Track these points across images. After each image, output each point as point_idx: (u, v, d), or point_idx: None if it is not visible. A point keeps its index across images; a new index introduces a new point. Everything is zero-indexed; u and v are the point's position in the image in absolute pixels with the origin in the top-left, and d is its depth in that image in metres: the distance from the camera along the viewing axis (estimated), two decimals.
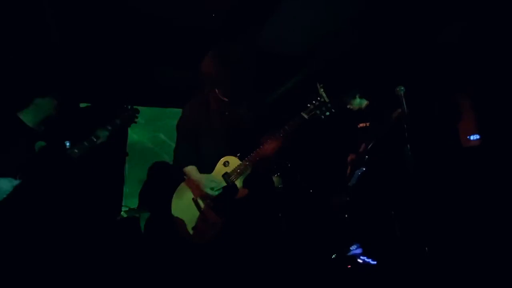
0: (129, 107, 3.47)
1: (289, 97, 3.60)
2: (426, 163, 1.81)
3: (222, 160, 1.61)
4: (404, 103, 1.43)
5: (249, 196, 1.58)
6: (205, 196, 1.59)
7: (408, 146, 1.42)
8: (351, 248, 2.48)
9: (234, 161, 1.60)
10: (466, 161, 2.36)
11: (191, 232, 1.56)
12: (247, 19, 2.77)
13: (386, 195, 2.19)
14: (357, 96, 2.60)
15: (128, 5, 2.52)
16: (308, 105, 1.58)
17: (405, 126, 1.43)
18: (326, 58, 3.17)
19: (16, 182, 1.67)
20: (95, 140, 1.95)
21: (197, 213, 1.59)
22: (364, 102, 2.60)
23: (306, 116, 1.56)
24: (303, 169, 3.24)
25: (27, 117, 1.88)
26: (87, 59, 3.16)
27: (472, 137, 2.50)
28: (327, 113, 1.57)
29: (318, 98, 1.59)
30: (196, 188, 1.61)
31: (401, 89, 1.44)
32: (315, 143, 3.38)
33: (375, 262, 2.34)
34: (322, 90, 1.59)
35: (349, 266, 2.39)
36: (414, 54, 2.57)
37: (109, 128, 2.03)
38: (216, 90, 1.64)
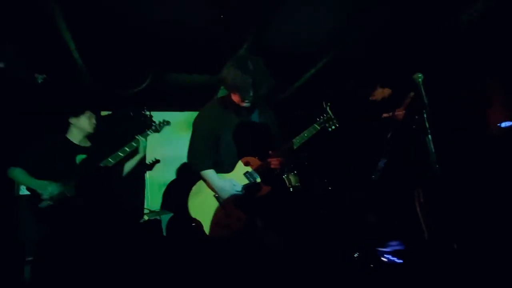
0: (148, 113, 3.62)
1: (300, 95, 3.55)
2: (450, 154, 1.69)
3: (243, 160, 1.72)
4: (422, 91, 1.34)
5: (271, 192, 1.69)
6: (228, 197, 1.66)
7: (430, 136, 1.33)
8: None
9: (254, 161, 1.72)
10: (496, 151, 2.18)
11: (215, 228, 1.63)
12: (255, 19, 2.75)
13: (408, 189, 2.08)
14: (377, 87, 2.52)
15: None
16: (317, 119, 1.79)
17: (425, 115, 1.34)
18: (339, 50, 3.08)
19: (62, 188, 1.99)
20: (127, 149, 2.25)
21: (220, 210, 1.66)
22: (387, 92, 2.50)
23: (318, 127, 1.79)
24: (320, 166, 3.17)
25: (72, 136, 2.21)
26: (103, 67, 3.27)
27: (503, 124, 2.31)
28: (333, 127, 1.80)
29: (325, 114, 1.81)
30: (219, 191, 1.68)
31: (418, 77, 1.35)
32: (333, 140, 3.30)
33: (401, 261, 2.23)
34: (328, 108, 1.79)
35: (372, 265, 2.29)
36: (433, 37, 2.41)
37: (141, 138, 2.31)
38: (234, 96, 1.72)
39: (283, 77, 3.45)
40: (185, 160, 4.07)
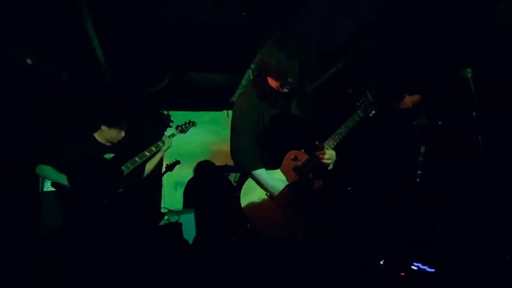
0: (166, 112, 3.62)
1: (325, 91, 3.45)
2: (502, 157, 1.56)
3: (290, 154, 1.62)
4: (472, 87, 1.23)
5: (324, 187, 1.60)
6: (282, 194, 1.59)
7: (479, 137, 1.21)
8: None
9: (302, 156, 1.61)
10: None
11: (273, 227, 1.56)
12: (279, 15, 2.68)
13: (450, 193, 1.95)
14: (405, 95, 2.39)
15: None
16: (357, 103, 1.68)
17: (473, 114, 1.23)
18: (360, 53, 2.97)
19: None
20: (154, 149, 2.29)
21: (276, 209, 1.58)
22: (416, 98, 2.38)
23: (361, 114, 1.68)
24: (344, 169, 3.05)
25: (98, 137, 2.26)
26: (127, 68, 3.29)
27: None
28: (373, 112, 1.69)
29: (363, 98, 1.70)
30: (271, 189, 1.61)
31: (467, 72, 1.24)
32: (359, 144, 3.20)
33: (432, 270, 2.09)
34: (368, 91, 1.69)
35: (402, 274, 2.17)
36: (468, 32, 2.25)
37: (167, 139, 2.35)
38: (273, 81, 1.61)
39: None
40: (201, 158, 4.07)
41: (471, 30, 1.95)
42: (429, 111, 2.09)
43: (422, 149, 2.02)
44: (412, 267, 2.22)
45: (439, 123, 2.02)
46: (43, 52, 2.57)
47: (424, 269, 2.16)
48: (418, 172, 2.11)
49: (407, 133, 2.33)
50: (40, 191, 2.85)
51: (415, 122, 2.31)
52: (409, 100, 2.36)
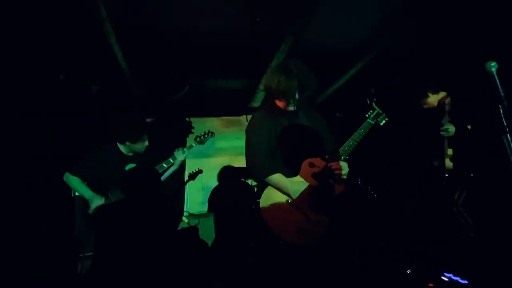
0: (188, 119, 3.70)
1: (338, 97, 3.37)
2: None
3: (307, 162, 1.65)
4: (497, 82, 1.13)
5: (346, 191, 1.61)
6: (304, 200, 1.60)
7: (508, 136, 1.11)
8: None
9: (319, 162, 1.64)
10: None
11: (297, 234, 1.56)
12: (291, 19, 2.68)
13: (481, 197, 1.80)
14: (428, 93, 2.25)
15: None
16: (366, 115, 1.73)
17: (501, 110, 1.13)
18: (380, 51, 2.86)
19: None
20: (165, 166, 2.34)
21: (299, 216, 1.58)
22: (441, 95, 2.23)
23: (372, 122, 1.73)
24: (367, 172, 2.94)
25: (123, 149, 2.35)
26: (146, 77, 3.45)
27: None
28: (384, 121, 1.74)
29: (371, 111, 1.75)
30: (293, 195, 1.62)
31: (491, 65, 1.14)
32: (384, 146, 3.07)
33: (465, 282, 1.92)
34: (374, 103, 1.74)
35: (431, 285, 2.02)
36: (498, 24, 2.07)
37: (185, 150, 2.40)
38: (279, 102, 1.74)
39: (321, 78, 3.32)
40: (224, 164, 4.13)
41: (495, 21, 1.80)
42: (453, 110, 1.96)
43: (450, 151, 1.90)
44: (443, 277, 2.06)
45: (468, 127, 1.89)
46: (73, 67, 2.78)
47: (457, 280, 2.00)
48: (446, 175, 1.98)
49: (434, 135, 2.19)
50: (73, 195, 3.07)
51: (442, 122, 2.17)
52: (434, 99, 2.23)
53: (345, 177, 1.60)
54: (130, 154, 2.35)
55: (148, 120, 4.35)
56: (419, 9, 2.36)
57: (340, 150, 1.65)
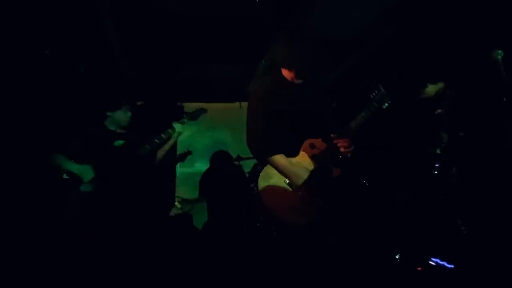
0: (180, 104, 3.60)
1: (344, 82, 3.35)
2: None
3: (307, 142, 1.63)
4: (503, 70, 1.14)
5: (342, 175, 1.61)
6: (302, 181, 1.59)
7: (510, 125, 1.13)
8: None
9: (320, 144, 1.62)
10: None
11: (291, 214, 1.57)
12: (294, 3, 2.60)
13: (473, 186, 1.85)
14: (427, 85, 2.27)
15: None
16: (371, 96, 1.65)
17: (504, 99, 1.14)
18: (381, 40, 2.84)
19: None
20: (164, 137, 2.26)
21: (293, 196, 1.59)
22: (439, 86, 2.25)
23: (376, 105, 1.64)
24: (364, 162, 2.97)
25: (110, 125, 2.27)
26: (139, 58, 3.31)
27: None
28: (387, 104, 1.66)
29: (376, 91, 1.67)
30: (291, 176, 1.60)
31: (498, 53, 1.14)
32: (379, 136, 3.10)
33: (451, 266, 2.01)
34: (380, 84, 1.66)
35: (419, 269, 2.10)
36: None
37: (176, 125, 2.31)
38: (287, 72, 1.65)
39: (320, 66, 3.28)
40: (215, 149, 4.09)
41: (501, 8, 1.81)
42: (455, 99, 1.98)
43: (445, 137, 1.92)
44: (430, 262, 2.15)
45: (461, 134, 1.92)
46: (61, 43, 2.62)
47: (443, 265, 2.08)
48: (436, 164, 2.02)
49: (429, 124, 2.22)
50: (61, 178, 2.96)
51: (438, 111, 2.20)
52: (432, 89, 2.25)
53: (349, 155, 1.59)
54: (118, 130, 2.29)
55: (139, 103, 4.22)
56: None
57: (344, 129, 1.62)
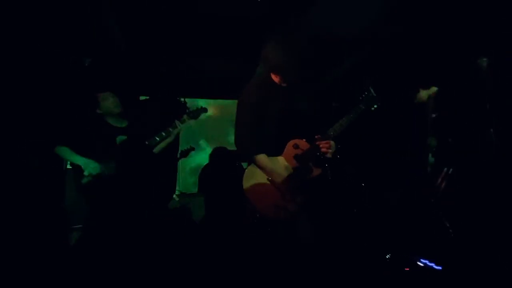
0: (183, 99, 3.66)
1: (338, 82, 3.37)
2: None
3: (291, 143, 1.69)
4: (487, 78, 1.16)
5: (322, 175, 1.67)
6: (282, 179, 1.67)
7: (492, 130, 1.15)
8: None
9: (303, 144, 1.68)
10: None
11: (273, 209, 1.65)
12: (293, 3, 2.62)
13: (460, 189, 1.87)
14: (419, 89, 2.29)
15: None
16: (360, 97, 1.70)
17: (487, 106, 1.16)
18: (379, 40, 2.84)
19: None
20: (171, 130, 2.30)
21: (276, 193, 1.67)
22: (432, 91, 2.26)
23: (363, 107, 1.70)
24: (354, 162, 2.99)
25: (109, 120, 2.26)
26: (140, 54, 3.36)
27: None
28: (375, 106, 1.71)
29: (366, 93, 1.71)
30: (272, 174, 1.68)
31: (483, 61, 1.17)
32: (372, 137, 3.11)
33: (439, 268, 2.04)
34: (370, 87, 1.70)
35: (407, 269, 2.13)
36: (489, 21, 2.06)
37: (178, 124, 2.35)
38: (274, 76, 1.70)
39: (319, 65, 3.30)
40: (215, 145, 4.14)
41: (489, 17, 1.81)
42: (441, 104, 2.00)
43: (433, 141, 1.95)
44: (419, 263, 2.18)
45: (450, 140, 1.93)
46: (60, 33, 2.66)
47: (431, 266, 2.11)
48: (427, 165, 2.04)
49: (420, 128, 2.24)
50: (64, 168, 3.04)
51: (433, 116, 2.22)
52: (424, 94, 2.27)
53: (330, 156, 1.65)
54: (118, 125, 2.30)
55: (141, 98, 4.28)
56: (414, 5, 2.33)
57: (328, 132, 1.68)
